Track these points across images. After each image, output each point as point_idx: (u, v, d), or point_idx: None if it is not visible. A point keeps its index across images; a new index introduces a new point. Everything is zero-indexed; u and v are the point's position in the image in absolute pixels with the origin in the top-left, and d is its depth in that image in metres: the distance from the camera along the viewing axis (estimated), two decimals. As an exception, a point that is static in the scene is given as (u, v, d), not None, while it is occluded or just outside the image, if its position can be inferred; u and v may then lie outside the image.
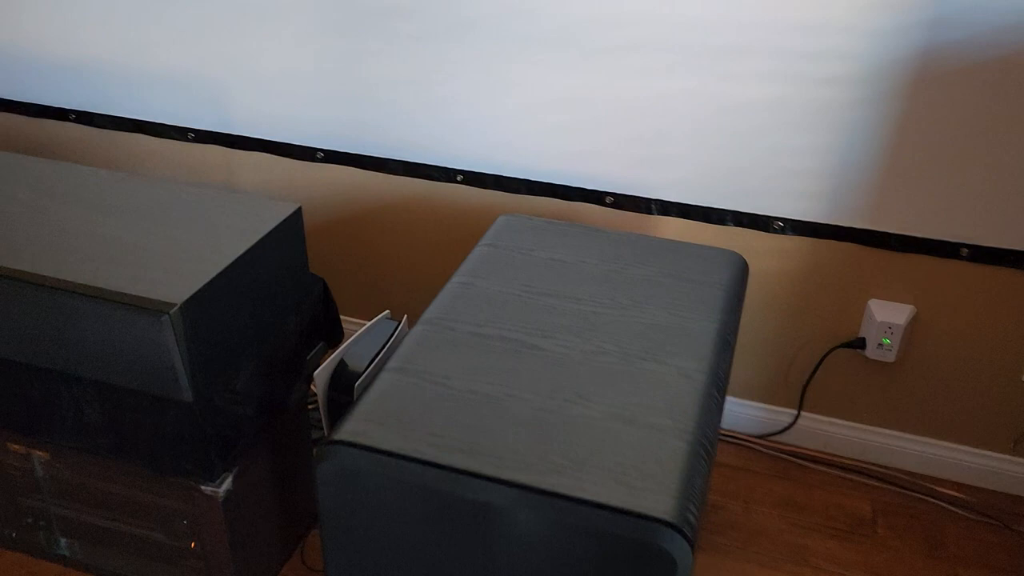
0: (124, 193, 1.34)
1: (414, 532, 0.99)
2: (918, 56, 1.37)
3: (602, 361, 1.11)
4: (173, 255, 1.18)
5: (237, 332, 1.22)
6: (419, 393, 1.05)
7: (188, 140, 1.88)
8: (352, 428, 1.00)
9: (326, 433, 1.44)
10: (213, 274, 1.14)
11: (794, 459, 1.74)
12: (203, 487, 1.24)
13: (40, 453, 1.35)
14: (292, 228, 1.31)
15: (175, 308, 1.07)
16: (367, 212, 1.84)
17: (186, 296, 1.09)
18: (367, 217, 1.84)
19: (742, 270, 1.37)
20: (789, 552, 1.54)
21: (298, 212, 1.31)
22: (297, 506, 1.51)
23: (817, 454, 1.75)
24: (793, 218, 1.57)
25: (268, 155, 1.85)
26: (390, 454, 0.96)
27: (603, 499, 0.90)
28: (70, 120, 1.95)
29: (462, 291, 1.25)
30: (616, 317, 1.20)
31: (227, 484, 1.25)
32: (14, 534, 1.48)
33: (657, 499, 0.90)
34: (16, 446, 1.36)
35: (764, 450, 1.76)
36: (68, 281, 1.12)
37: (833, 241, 1.57)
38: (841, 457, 1.75)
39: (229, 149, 1.87)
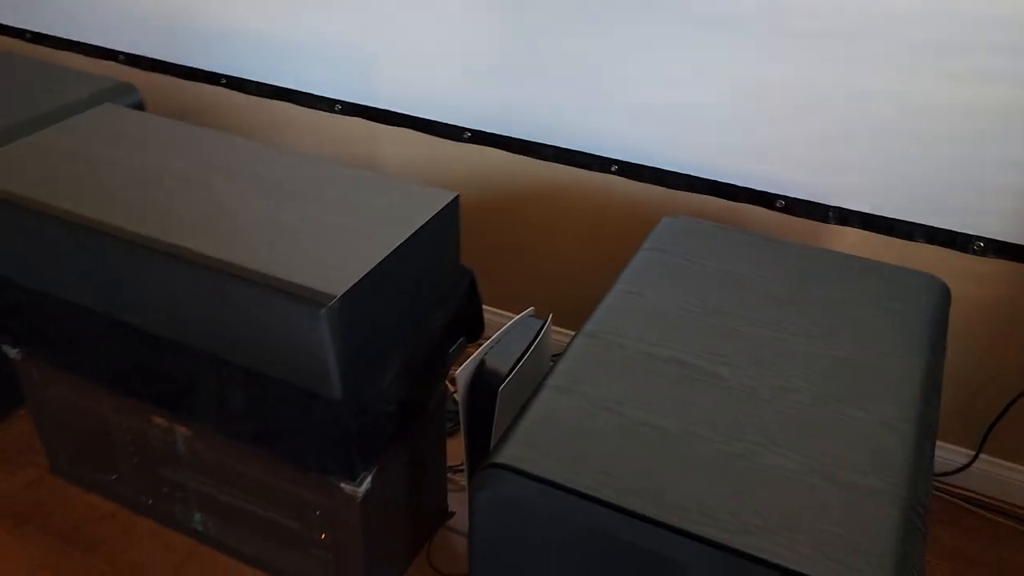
0: (282, 169, 1.29)
1: (578, 572, 0.89)
2: None
3: (792, 400, 0.98)
4: (329, 242, 1.11)
5: (387, 327, 1.14)
6: (587, 419, 0.95)
7: (334, 111, 1.83)
8: (514, 453, 0.91)
9: (464, 440, 1.36)
10: (371, 266, 1.06)
11: (966, 504, 1.57)
12: (343, 486, 1.19)
13: (182, 429, 1.33)
14: (449, 217, 1.22)
15: (333, 301, 1.01)
16: (512, 197, 1.74)
17: (344, 289, 1.02)
18: (512, 203, 1.75)
19: (944, 298, 1.20)
20: (960, 612, 1.38)
21: (455, 201, 1.23)
22: (426, 506, 1.45)
23: (993, 502, 1.57)
24: (997, 239, 1.38)
25: (413, 131, 1.77)
26: (557, 486, 0.87)
27: (808, 572, 0.78)
28: (221, 84, 1.92)
29: (629, 302, 1.14)
30: (804, 347, 1.06)
31: (366, 484, 1.19)
32: (151, 501, 1.47)
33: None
34: (159, 420, 1.34)
35: (935, 491, 1.59)
36: (224, 261, 1.07)
37: (1043, 269, 1.38)
38: (1018, 507, 1.57)
39: (374, 123, 1.80)
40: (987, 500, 1.58)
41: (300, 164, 1.30)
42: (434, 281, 1.24)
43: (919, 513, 0.87)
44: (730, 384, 1.00)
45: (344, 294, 1.02)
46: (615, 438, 0.92)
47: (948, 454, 1.59)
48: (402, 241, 1.12)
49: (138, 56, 2.00)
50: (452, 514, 1.53)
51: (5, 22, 2.14)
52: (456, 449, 1.60)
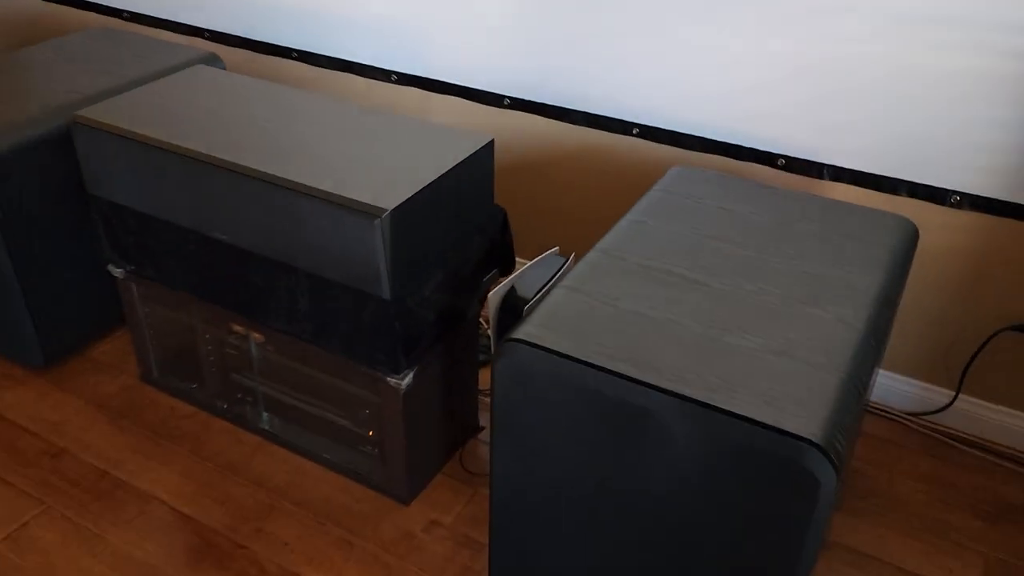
0: (346, 116, 1.52)
1: (576, 430, 1.10)
2: None
3: (763, 300, 1.18)
4: (384, 170, 1.34)
5: (430, 244, 1.37)
6: (589, 309, 1.16)
7: (391, 81, 2.07)
8: (528, 331, 1.12)
9: (493, 350, 1.58)
10: (417, 188, 1.29)
11: (946, 439, 1.73)
12: (388, 379, 1.41)
13: (256, 335, 1.57)
14: (484, 158, 1.44)
15: (386, 213, 1.23)
16: (544, 158, 1.96)
17: (394, 204, 1.25)
18: (544, 162, 1.96)
19: (911, 235, 1.38)
20: (930, 524, 1.55)
21: (490, 144, 1.45)
22: (459, 416, 1.67)
23: (971, 438, 1.73)
24: (972, 192, 1.55)
25: (459, 99, 2.00)
26: (561, 355, 1.08)
27: (755, 416, 0.98)
28: (292, 58, 2.18)
29: (635, 228, 1.35)
30: (780, 265, 1.26)
31: (408, 379, 1.42)
32: (225, 405, 1.72)
33: (806, 422, 0.97)
34: (238, 327, 1.58)
35: (915, 427, 1.76)
36: (298, 183, 1.30)
37: (1013, 220, 1.54)
38: (997, 444, 1.72)
39: (425, 91, 2.04)
40: (965, 436, 1.74)
41: (361, 113, 1.54)
42: (471, 212, 1.47)
43: (857, 387, 1.06)
44: (711, 288, 1.20)
45: (394, 209, 1.25)
46: (609, 323, 1.13)
47: (931, 394, 1.76)
48: (445, 171, 1.34)
49: (221, 32, 2.27)
50: (482, 428, 1.74)
51: (106, 3, 2.43)
52: (487, 377, 1.82)
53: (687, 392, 1.02)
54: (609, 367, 1.06)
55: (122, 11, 2.43)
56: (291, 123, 1.50)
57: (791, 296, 1.19)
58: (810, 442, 0.95)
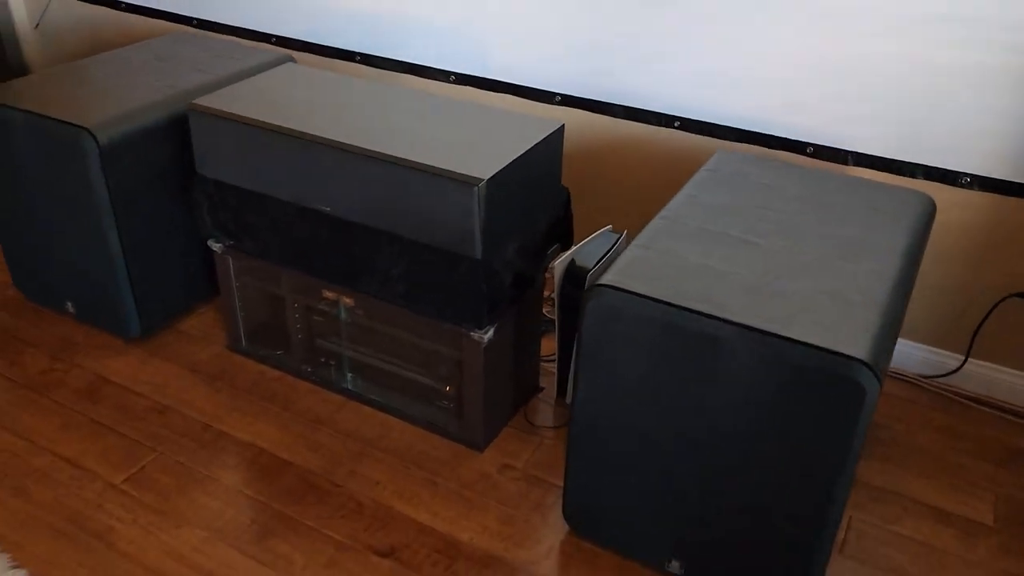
0: (431, 104, 1.73)
1: (655, 360, 1.29)
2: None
3: (807, 256, 1.38)
4: (476, 147, 1.54)
5: (511, 214, 1.57)
6: (660, 262, 1.36)
7: (449, 81, 2.27)
8: (612, 278, 1.32)
9: (558, 314, 1.78)
10: (507, 162, 1.49)
11: (958, 398, 1.93)
12: (472, 333, 1.61)
13: (347, 300, 1.76)
14: (556, 140, 1.65)
15: (483, 182, 1.43)
16: (592, 149, 2.16)
17: (490, 174, 1.45)
18: (592, 153, 2.16)
19: (930, 207, 1.59)
20: (946, 468, 1.74)
21: (561, 128, 1.65)
22: (524, 375, 1.86)
23: (981, 397, 1.93)
24: (980, 174, 1.76)
25: (513, 97, 2.20)
26: (642, 296, 1.28)
27: (811, 340, 1.18)
28: (356, 61, 2.38)
29: (690, 200, 1.55)
30: (818, 229, 1.46)
31: (490, 334, 1.61)
32: (309, 369, 1.91)
33: (854, 345, 1.17)
34: (329, 293, 1.78)
35: (930, 387, 1.96)
36: (401, 158, 1.50)
37: (1017, 198, 1.74)
38: (1005, 402, 1.92)
39: (481, 90, 2.24)
40: (975, 395, 1.93)
41: (444, 100, 1.74)
42: (543, 187, 1.67)
43: (890, 322, 1.26)
44: (761, 247, 1.40)
45: (490, 178, 1.45)
46: (679, 273, 1.33)
47: (943, 359, 1.96)
48: (527, 149, 1.55)
49: (287, 38, 2.48)
50: (542, 388, 1.93)
51: (178, 11, 2.64)
52: (547, 346, 2.01)
53: (753, 323, 1.21)
54: (684, 304, 1.25)
55: (192, 18, 2.63)
56: (383, 109, 1.70)
57: (830, 253, 1.39)
58: (859, 360, 1.15)
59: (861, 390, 1.15)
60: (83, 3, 2.84)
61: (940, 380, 1.97)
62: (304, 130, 1.60)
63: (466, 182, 1.44)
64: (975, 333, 1.90)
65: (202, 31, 2.62)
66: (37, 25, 3.01)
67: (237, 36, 2.56)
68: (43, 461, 1.68)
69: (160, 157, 1.90)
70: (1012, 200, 1.75)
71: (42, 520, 1.55)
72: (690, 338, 1.25)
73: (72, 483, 1.63)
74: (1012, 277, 1.81)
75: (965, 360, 1.94)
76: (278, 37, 2.49)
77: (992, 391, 1.93)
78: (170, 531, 1.54)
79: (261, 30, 2.51)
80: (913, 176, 1.82)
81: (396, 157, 1.51)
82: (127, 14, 2.76)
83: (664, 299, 1.27)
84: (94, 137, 1.76)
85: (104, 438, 1.74)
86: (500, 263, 1.56)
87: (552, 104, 2.16)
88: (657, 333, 1.27)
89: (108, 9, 2.79)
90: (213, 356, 1.99)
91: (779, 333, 1.20)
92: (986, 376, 1.93)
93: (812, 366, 1.17)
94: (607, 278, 1.32)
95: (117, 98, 1.89)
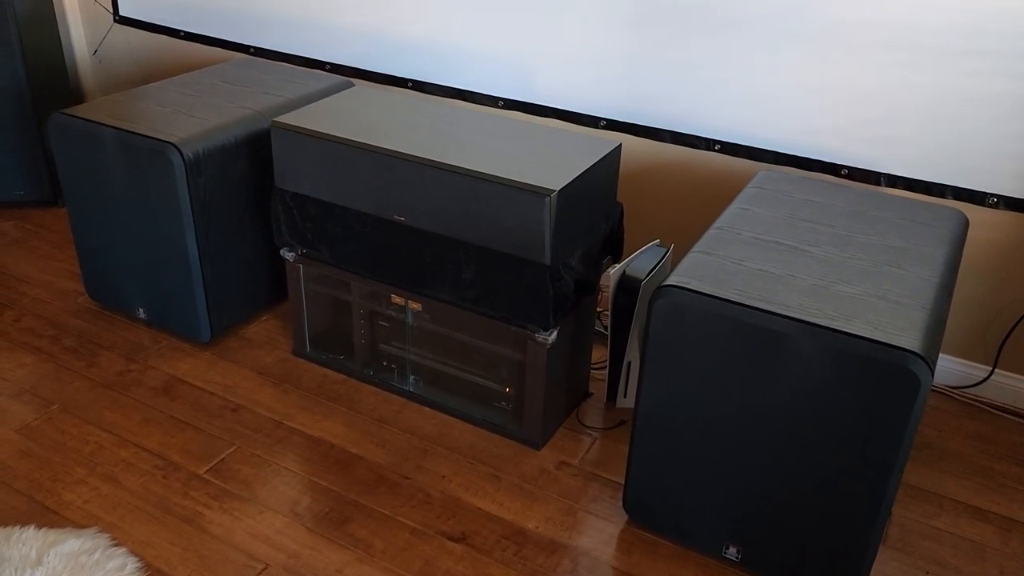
0: (492, 123, 1.86)
1: (720, 355, 1.41)
2: None
3: (856, 263, 1.50)
4: (541, 163, 1.67)
5: (575, 225, 1.69)
6: (722, 267, 1.48)
7: (498, 107, 2.41)
8: (677, 280, 1.44)
9: (611, 321, 1.89)
10: (573, 176, 1.62)
11: (986, 407, 2.03)
12: (537, 336, 1.72)
13: (414, 305, 1.88)
14: (614, 158, 1.77)
15: (554, 193, 1.56)
16: (637, 170, 2.29)
17: (560, 186, 1.57)
18: (637, 173, 2.29)
19: (964, 221, 1.71)
20: (978, 470, 1.84)
21: (619, 147, 1.78)
22: (576, 380, 1.96)
23: (1008, 407, 2.03)
24: (1006, 195, 1.88)
25: (560, 121, 2.34)
26: (708, 295, 1.39)
27: (869, 335, 1.29)
28: (407, 87, 2.52)
29: (741, 213, 1.67)
30: (863, 239, 1.58)
31: (553, 336, 1.72)
32: (372, 372, 2.02)
33: (908, 339, 1.28)
34: (397, 299, 1.89)
35: (959, 397, 2.06)
36: (476, 171, 1.62)
37: (1041, 217, 1.87)
38: (1029, 412, 2.03)
39: (529, 115, 2.38)
40: (1003, 405, 2.04)
41: (506, 120, 1.87)
42: (601, 202, 1.79)
43: (938, 320, 1.37)
44: (814, 254, 1.52)
45: (560, 189, 1.57)
46: (740, 276, 1.45)
47: (971, 370, 2.06)
48: (591, 164, 1.67)
49: (341, 65, 2.62)
50: (591, 394, 2.04)
51: (235, 40, 2.79)
52: (597, 353, 2.12)
53: (811, 319, 1.33)
54: (748, 303, 1.37)
55: (248, 46, 2.78)
56: (452, 127, 1.83)
57: (878, 260, 1.51)
58: (914, 353, 1.26)
59: (916, 380, 1.26)
60: (142, 31, 2.99)
61: (969, 391, 2.08)
62: (382, 145, 1.72)
63: (539, 192, 1.57)
64: (1001, 346, 2.01)
65: (259, 58, 2.77)
66: (95, 52, 3.16)
67: (292, 63, 2.70)
68: (129, 453, 1.78)
69: (236, 172, 2.03)
70: (1037, 219, 1.88)
71: (134, 505, 1.65)
72: (753, 335, 1.36)
73: (158, 472, 1.73)
74: (1037, 292, 1.93)
75: (992, 371, 2.04)
76: (332, 64, 2.63)
77: (1018, 401, 2.04)
78: (255, 516, 1.64)
79: (316, 57, 2.66)
80: (943, 196, 1.95)
81: (471, 170, 1.63)
82: (185, 42, 2.91)
83: (728, 298, 1.38)
84: (180, 152, 1.88)
85: (183, 432, 1.85)
86: (565, 269, 1.68)
87: (597, 128, 2.29)
88: (721, 330, 1.39)
89: (166, 37, 2.94)
90: (278, 360, 2.10)
91: (840, 329, 1.31)
92: (1012, 386, 2.03)
93: (871, 358, 1.28)
94: (673, 279, 1.44)
95: (197, 117, 2.03)
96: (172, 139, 1.90)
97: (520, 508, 1.69)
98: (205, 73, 2.34)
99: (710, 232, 1.61)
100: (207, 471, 1.75)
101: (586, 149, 1.75)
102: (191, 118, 2.02)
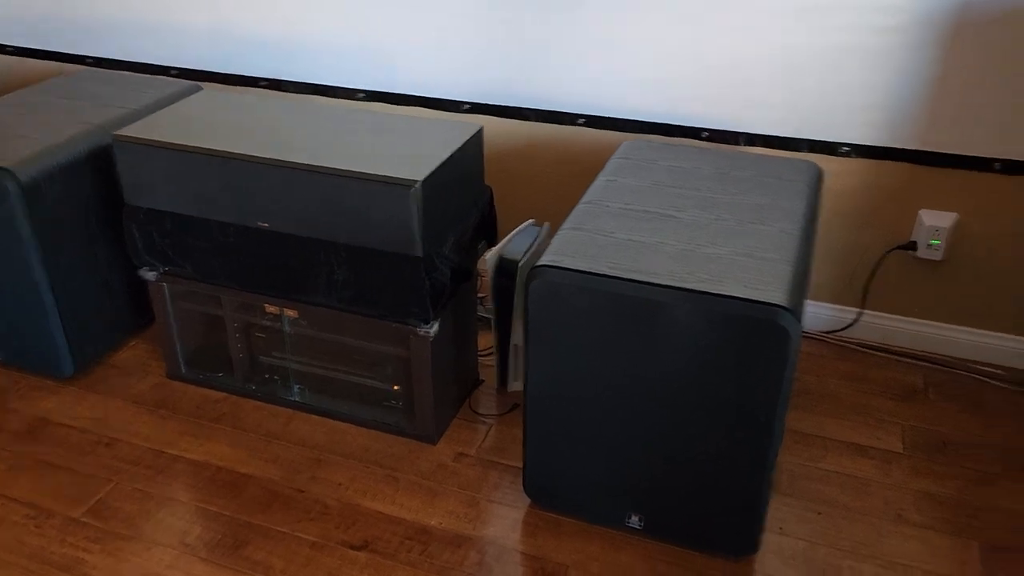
0: (349, 116, 1.80)
1: (600, 329, 1.41)
2: (956, 9, 1.76)
3: (723, 224, 1.53)
4: (401, 154, 1.62)
5: (444, 213, 1.65)
6: (592, 240, 1.48)
7: (357, 99, 2.34)
8: (550, 259, 1.43)
9: (493, 306, 1.87)
10: (436, 164, 1.58)
11: (857, 348, 2.13)
12: (418, 329, 1.68)
13: (290, 312, 1.81)
14: (477, 141, 1.75)
15: (418, 183, 1.52)
16: (504, 151, 2.27)
17: (423, 176, 1.53)
18: (504, 154, 2.28)
19: (818, 172, 1.77)
20: (855, 408, 1.92)
21: (480, 131, 1.75)
22: (464, 369, 1.94)
23: (878, 344, 2.14)
24: (856, 143, 1.96)
25: (423, 108, 2.29)
26: (582, 272, 1.39)
27: (739, 294, 1.32)
28: (261, 86, 2.42)
29: (608, 185, 1.68)
30: (728, 199, 1.62)
31: (435, 328, 1.69)
32: (253, 387, 1.94)
33: (775, 294, 1.32)
34: (271, 308, 1.81)
35: (832, 341, 2.15)
36: (334, 168, 1.57)
37: (889, 162, 1.96)
38: (898, 347, 2.13)
39: (391, 105, 2.32)
40: (873, 343, 2.14)
41: (363, 113, 1.82)
42: (469, 187, 1.76)
43: (802, 272, 1.42)
44: (681, 219, 1.54)
45: (424, 179, 1.53)
46: (611, 247, 1.45)
47: (842, 314, 2.16)
48: (453, 151, 1.64)
49: (188, 68, 2.49)
50: (482, 381, 2.02)
51: (71, 51, 2.60)
52: (485, 339, 2.10)
53: (684, 285, 1.34)
54: (622, 275, 1.37)
55: (85, 57, 2.60)
56: (306, 125, 1.76)
57: (742, 219, 1.55)
58: (781, 307, 1.29)
59: (784, 332, 1.29)
60: (-36, 48, 2.76)
61: (840, 333, 2.17)
62: (235, 150, 1.64)
63: (403, 184, 1.53)
64: (866, 287, 2.11)
65: (98, 68, 2.60)
66: (-87, 74, 2.90)
67: (136, 71, 2.55)
68: (-7, 506, 1.65)
69: (82, 192, 1.90)
70: (885, 163, 1.97)
71: (8, 561, 1.53)
72: (629, 306, 1.37)
73: (29, 522, 1.61)
74: (893, 233, 2.03)
75: (860, 313, 2.14)
76: (178, 69, 2.50)
77: (886, 338, 2.15)
78: (141, 554, 1.54)
79: (160, 63, 2.51)
80: (798, 149, 2.01)
81: (331, 168, 1.57)
82: (11, 57, 2.70)
83: (601, 272, 1.38)
84: (15, 176, 1.74)
85: (54, 475, 1.72)
86: (439, 259, 1.64)
87: (460, 112, 2.26)
88: (598, 305, 1.39)
89: (-7, 52, 2.73)
90: (152, 386, 1.99)
91: (710, 291, 1.33)
92: (880, 326, 2.14)
93: (742, 316, 1.31)
94: (545, 259, 1.43)
95: (32, 138, 1.88)
96: (5, 164, 1.75)
97: (421, 506, 1.66)
98: (36, 90, 2.17)
99: (579, 207, 1.61)
100: (84, 513, 1.64)
101: (448, 135, 1.71)
102: (24, 139, 1.87)
